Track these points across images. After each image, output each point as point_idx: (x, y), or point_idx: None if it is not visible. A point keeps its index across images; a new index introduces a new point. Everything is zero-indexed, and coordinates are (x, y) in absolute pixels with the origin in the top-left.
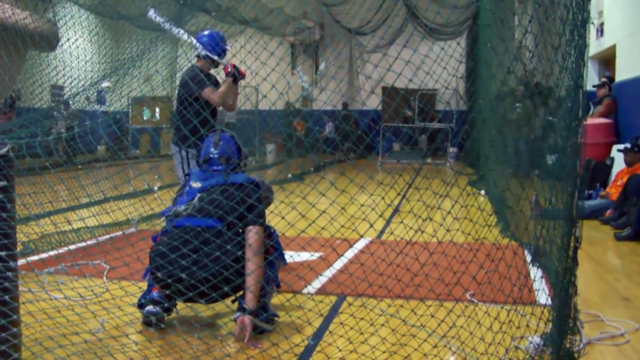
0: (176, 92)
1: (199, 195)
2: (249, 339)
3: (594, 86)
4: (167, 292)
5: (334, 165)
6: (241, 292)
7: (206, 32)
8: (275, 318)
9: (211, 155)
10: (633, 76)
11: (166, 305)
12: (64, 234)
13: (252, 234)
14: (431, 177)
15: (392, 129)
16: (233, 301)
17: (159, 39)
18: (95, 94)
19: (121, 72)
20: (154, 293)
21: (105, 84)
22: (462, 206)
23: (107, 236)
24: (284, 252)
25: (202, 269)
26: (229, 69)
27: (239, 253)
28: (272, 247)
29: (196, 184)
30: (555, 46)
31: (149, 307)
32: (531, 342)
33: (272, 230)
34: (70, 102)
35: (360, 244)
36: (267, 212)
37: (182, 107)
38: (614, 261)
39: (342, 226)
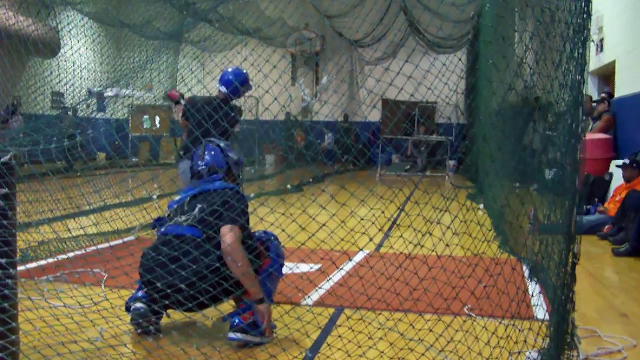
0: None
1: (175, 207)
2: (268, 324)
3: (593, 102)
4: (153, 296)
5: (334, 177)
6: (234, 296)
7: (230, 70)
8: (274, 330)
9: (199, 169)
10: (632, 92)
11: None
12: (64, 242)
13: (227, 233)
14: (431, 192)
15: (392, 142)
16: (224, 319)
17: (162, 49)
18: (96, 102)
19: (123, 83)
20: (139, 293)
21: (107, 93)
22: (461, 221)
23: (107, 245)
24: (283, 263)
25: (179, 276)
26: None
27: (218, 252)
28: (268, 259)
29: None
30: (555, 63)
31: (135, 305)
32: (529, 358)
33: (271, 241)
34: (70, 111)
35: (360, 258)
36: (267, 224)
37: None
38: (612, 277)
39: (342, 239)
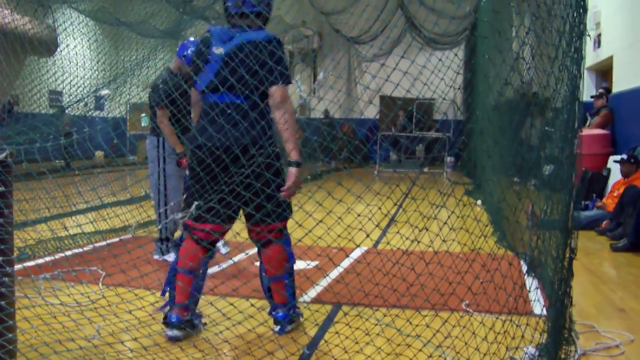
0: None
1: (220, 65)
2: (292, 190)
3: (591, 97)
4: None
5: (331, 174)
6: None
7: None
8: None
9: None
10: (630, 87)
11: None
12: (61, 240)
13: (277, 92)
14: (428, 187)
15: (389, 138)
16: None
17: (158, 46)
18: (93, 100)
19: (120, 80)
20: (172, 315)
21: (104, 92)
22: (458, 216)
23: (104, 242)
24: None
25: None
26: None
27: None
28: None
29: (218, 50)
30: (551, 58)
31: (170, 333)
32: (526, 353)
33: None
34: (68, 109)
35: (357, 254)
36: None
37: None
38: (610, 272)
39: (339, 236)
